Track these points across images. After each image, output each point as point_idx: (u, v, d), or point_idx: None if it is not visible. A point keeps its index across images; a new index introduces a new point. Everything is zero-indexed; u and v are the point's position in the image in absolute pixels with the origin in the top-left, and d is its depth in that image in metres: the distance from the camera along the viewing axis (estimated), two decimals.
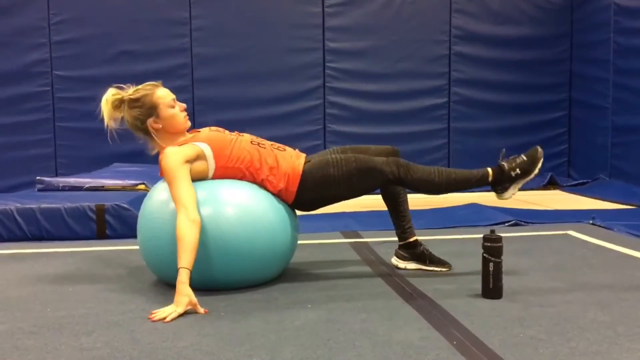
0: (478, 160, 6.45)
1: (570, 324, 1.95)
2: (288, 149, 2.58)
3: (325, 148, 5.30)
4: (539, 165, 2.55)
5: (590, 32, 6.25)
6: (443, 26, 6.48)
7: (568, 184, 6.17)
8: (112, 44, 6.03)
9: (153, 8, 6.11)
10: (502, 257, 2.22)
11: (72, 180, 4.37)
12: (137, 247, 2.56)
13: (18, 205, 3.56)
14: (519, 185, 2.58)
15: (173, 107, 2.43)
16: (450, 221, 3.97)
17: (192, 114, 5.68)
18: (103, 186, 4.23)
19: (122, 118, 2.45)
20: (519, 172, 2.55)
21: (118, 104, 2.43)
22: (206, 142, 2.41)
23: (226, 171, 2.42)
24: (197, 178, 2.36)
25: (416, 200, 4.87)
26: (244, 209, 2.35)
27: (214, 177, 2.42)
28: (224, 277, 2.33)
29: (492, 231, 2.25)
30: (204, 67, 6.12)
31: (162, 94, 2.43)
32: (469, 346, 1.77)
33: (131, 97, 2.42)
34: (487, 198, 5.22)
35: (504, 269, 2.24)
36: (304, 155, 2.59)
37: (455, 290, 2.36)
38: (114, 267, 2.82)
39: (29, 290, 2.45)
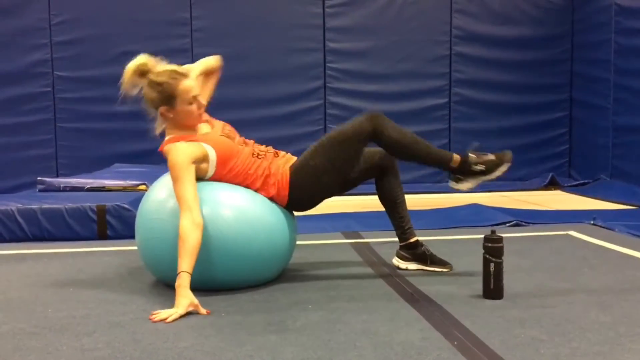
0: None
1: (571, 325, 1.95)
2: (282, 153, 2.60)
3: None
4: (504, 169, 2.52)
5: (591, 32, 6.25)
6: (444, 26, 6.48)
7: (569, 184, 6.17)
8: (113, 44, 6.03)
9: (154, 9, 6.11)
10: (503, 258, 2.22)
11: (73, 181, 4.37)
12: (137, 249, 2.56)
13: (19, 205, 3.56)
14: (477, 182, 2.55)
15: (191, 104, 2.37)
16: (451, 221, 3.97)
17: None
18: (104, 187, 4.23)
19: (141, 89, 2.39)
20: (483, 168, 2.52)
21: (142, 74, 2.36)
22: (214, 147, 2.38)
23: (221, 178, 2.43)
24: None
25: (417, 201, 4.89)
26: (242, 210, 2.36)
27: (209, 179, 2.42)
28: (221, 277, 2.33)
29: (493, 231, 2.25)
30: None
31: (185, 89, 2.35)
32: (470, 346, 1.77)
33: (155, 78, 2.35)
34: (487, 198, 5.22)
35: (505, 269, 2.24)
36: (294, 158, 2.59)
37: (457, 291, 2.36)
38: (115, 268, 2.82)
39: (30, 291, 2.45)
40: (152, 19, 6.09)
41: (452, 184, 2.59)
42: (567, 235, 3.50)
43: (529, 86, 6.57)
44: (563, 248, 3.18)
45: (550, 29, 6.57)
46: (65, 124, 6.12)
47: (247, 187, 2.45)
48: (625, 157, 5.71)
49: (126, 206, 3.57)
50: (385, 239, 3.24)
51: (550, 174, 6.26)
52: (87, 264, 2.92)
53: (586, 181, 6.12)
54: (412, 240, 2.70)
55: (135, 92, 2.40)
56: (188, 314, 2.06)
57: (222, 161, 2.40)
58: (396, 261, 2.74)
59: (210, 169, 2.39)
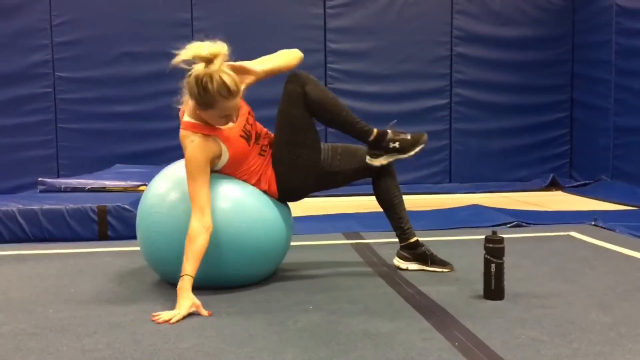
0: (479, 161, 6.52)
1: (572, 325, 1.95)
2: None
3: None
4: (418, 149, 2.54)
5: (591, 33, 6.25)
6: (444, 27, 6.48)
7: (570, 185, 6.17)
8: (114, 45, 6.04)
9: (155, 9, 6.12)
10: (504, 258, 2.22)
11: (74, 182, 4.37)
12: (139, 248, 2.56)
13: (20, 206, 3.56)
14: (391, 159, 2.56)
15: (221, 117, 2.27)
16: (451, 222, 3.96)
17: None
18: (105, 187, 4.24)
19: (189, 68, 2.24)
20: (397, 146, 2.52)
21: (208, 61, 2.20)
22: (229, 150, 2.36)
23: (223, 172, 2.44)
24: None
25: (417, 201, 4.89)
26: (237, 202, 2.37)
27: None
28: (217, 271, 2.33)
29: (494, 232, 2.25)
30: None
31: (225, 107, 2.23)
32: (470, 347, 1.77)
33: (207, 80, 2.17)
34: (488, 199, 5.22)
35: (505, 270, 2.24)
36: None
37: (457, 291, 2.36)
38: (115, 269, 2.82)
39: (31, 291, 2.45)
40: (153, 19, 6.09)
41: (368, 159, 2.58)
42: (568, 236, 3.50)
43: (530, 87, 6.57)
44: (564, 249, 3.17)
45: (551, 30, 6.57)
46: (66, 124, 6.12)
47: (244, 182, 2.47)
48: (626, 158, 5.70)
49: (127, 207, 3.57)
50: (386, 240, 3.24)
51: (551, 175, 6.26)
52: (88, 265, 2.92)
53: (587, 182, 6.12)
54: (412, 240, 2.69)
55: (183, 65, 2.25)
56: (189, 315, 2.06)
57: (231, 163, 2.40)
58: (397, 261, 2.74)
59: (218, 166, 2.40)
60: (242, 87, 2.31)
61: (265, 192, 2.50)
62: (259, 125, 2.55)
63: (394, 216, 2.70)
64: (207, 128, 2.33)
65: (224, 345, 1.81)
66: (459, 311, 2.10)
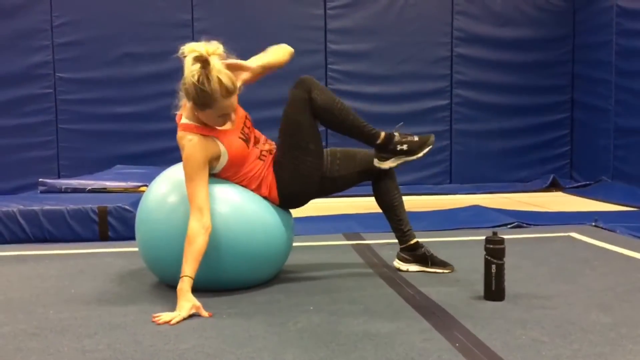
0: (480, 162, 6.52)
1: (572, 326, 1.95)
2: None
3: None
4: (426, 150, 2.54)
5: (592, 34, 6.25)
6: (445, 28, 6.48)
7: (570, 185, 6.17)
8: (115, 46, 6.04)
9: (155, 10, 6.12)
10: (505, 259, 2.22)
11: (75, 182, 4.37)
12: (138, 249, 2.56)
13: (21, 207, 3.57)
14: (399, 161, 2.55)
15: (219, 117, 2.28)
16: (452, 223, 3.96)
17: None
18: (105, 188, 4.24)
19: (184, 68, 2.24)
20: (405, 148, 2.52)
21: (203, 61, 2.19)
22: (229, 151, 2.35)
23: (221, 176, 2.43)
24: None
25: (418, 202, 4.89)
26: (238, 207, 2.37)
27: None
28: (218, 275, 2.33)
29: (495, 233, 2.25)
30: None
31: (223, 107, 2.24)
32: (471, 348, 1.77)
33: (202, 81, 2.17)
34: (488, 200, 5.22)
35: (506, 270, 2.24)
36: None
37: (458, 292, 2.36)
38: (116, 269, 2.82)
39: (31, 292, 2.45)
40: (154, 20, 6.09)
41: (376, 162, 2.58)
42: (569, 236, 3.50)
43: (530, 88, 6.57)
44: (564, 249, 3.17)
45: (552, 31, 6.57)
46: (67, 125, 6.12)
47: (244, 187, 2.46)
48: (626, 159, 5.70)
49: (127, 207, 3.57)
50: (387, 241, 3.24)
51: (552, 176, 6.26)
52: (89, 265, 2.92)
53: (587, 183, 6.12)
54: (412, 242, 2.69)
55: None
56: (190, 316, 2.06)
57: (230, 164, 2.39)
58: (397, 263, 2.74)
59: (217, 168, 2.38)
60: (239, 84, 2.31)
61: (265, 198, 2.49)
62: (257, 131, 2.55)
63: (394, 218, 2.69)
64: (206, 129, 2.32)
65: (224, 346, 1.81)
66: (460, 312, 2.10)
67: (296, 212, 2.68)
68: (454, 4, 6.45)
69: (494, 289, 2.23)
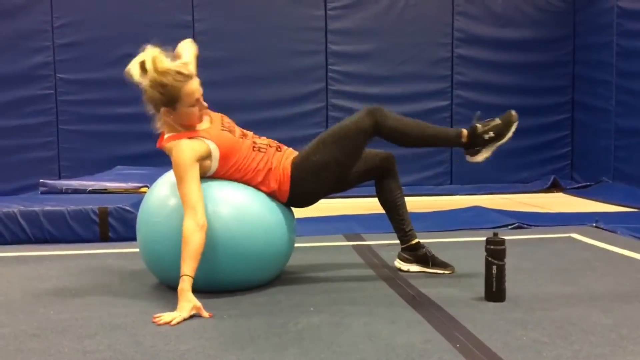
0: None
1: (573, 327, 1.95)
2: (285, 148, 2.59)
3: None
4: (513, 128, 2.50)
5: (593, 34, 6.25)
6: (445, 29, 6.48)
7: (571, 186, 6.17)
8: (115, 47, 6.03)
9: (156, 11, 6.12)
10: (505, 260, 2.22)
11: (75, 183, 4.37)
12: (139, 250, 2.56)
13: (21, 207, 3.57)
14: (492, 149, 2.53)
15: (194, 105, 2.31)
16: (453, 224, 3.96)
17: None
18: (106, 189, 4.24)
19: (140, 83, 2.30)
20: (493, 135, 2.49)
21: (146, 70, 2.28)
22: (217, 143, 2.36)
23: (223, 176, 2.42)
24: None
25: (418, 203, 4.88)
26: (241, 208, 2.36)
27: (211, 176, 2.41)
28: (220, 277, 2.33)
29: (495, 234, 2.25)
30: (206, 70, 6.07)
31: (189, 91, 2.29)
32: (471, 349, 1.77)
33: (158, 79, 2.27)
34: (489, 201, 5.22)
35: (506, 271, 2.23)
36: (295, 152, 2.57)
37: (458, 293, 2.35)
38: (116, 270, 2.82)
39: (32, 292, 2.45)
40: (155, 21, 6.08)
41: (469, 159, 2.57)
42: (569, 237, 3.50)
43: (531, 88, 6.57)
44: (565, 250, 3.17)
45: (552, 32, 6.57)
46: (68, 126, 6.12)
47: (248, 181, 2.44)
48: (627, 160, 5.70)
49: (128, 208, 3.57)
50: (387, 241, 3.24)
51: (552, 177, 6.26)
52: (89, 266, 2.92)
53: (588, 183, 6.12)
54: (413, 242, 2.69)
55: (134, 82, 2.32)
56: (190, 316, 2.06)
57: (224, 157, 2.38)
58: (398, 263, 2.74)
59: (213, 165, 2.38)
60: (191, 68, 2.41)
61: (272, 192, 2.47)
62: (241, 128, 2.54)
63: (396, 217, 2.69)
64: (189, 133, 2.35)
65: (225, 346, 1.81)
66: (460, 313, 2.10)
67: (296, 213, 2.68)
68: (454, 4, 6.45)
69: (495, 290, 2.23)
